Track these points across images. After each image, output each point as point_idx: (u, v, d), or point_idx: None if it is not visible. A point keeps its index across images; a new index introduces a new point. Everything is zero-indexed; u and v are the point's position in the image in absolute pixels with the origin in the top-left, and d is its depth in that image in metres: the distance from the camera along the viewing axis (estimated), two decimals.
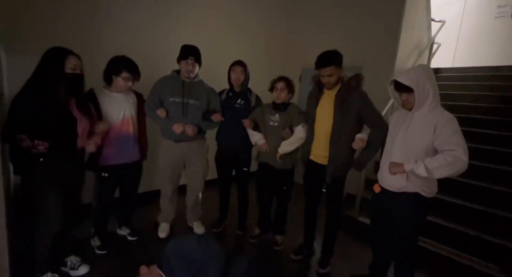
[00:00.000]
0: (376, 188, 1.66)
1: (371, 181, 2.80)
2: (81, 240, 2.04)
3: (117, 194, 2.10)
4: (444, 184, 1.51)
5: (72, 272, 1.75)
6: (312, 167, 1.97)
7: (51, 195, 1.52)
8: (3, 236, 1.34)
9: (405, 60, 3.22)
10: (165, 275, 1.23)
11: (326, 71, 1.71)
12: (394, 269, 1.67)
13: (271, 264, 2.08)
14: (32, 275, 1.60)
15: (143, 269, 1.29)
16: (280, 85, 2.00)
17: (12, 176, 1.86)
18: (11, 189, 1.85)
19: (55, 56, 1.47)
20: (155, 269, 1.28)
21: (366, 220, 2.54)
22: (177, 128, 1.99)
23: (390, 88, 1.56)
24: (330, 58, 1.70)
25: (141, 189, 2.30)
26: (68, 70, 1.49)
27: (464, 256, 2.08)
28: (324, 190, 1.98)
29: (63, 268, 1.76)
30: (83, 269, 1.78)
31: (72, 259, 1.79)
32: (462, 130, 1.38)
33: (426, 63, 3.83)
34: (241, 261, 1.30)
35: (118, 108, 1.88)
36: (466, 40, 4.58)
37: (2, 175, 1.35)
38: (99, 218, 2.04)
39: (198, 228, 2.38)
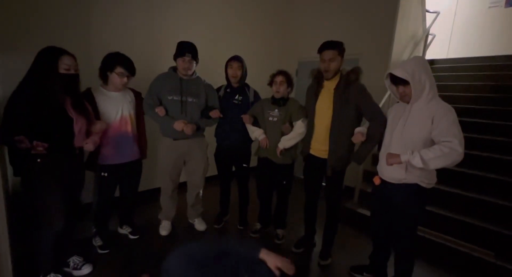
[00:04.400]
0: (376, 180, 1.68)
1: (369, 173, 2.83)
2: (83, 240, 2.04)
3: (117, 193, 2.09)
4: (439, 173, 1.54)
5: (75, 272, 1.75)
6: (312, 161, 1.98)
7: (51, 195, 1.51)
8: (5, 237, 1.34)
9: (401, 51, 3.22)
10: None
11: (328, 54, 1.74)
12: (395, 259, 1.70)
13: None
14: (35, 275, 1.60)
15: None
16: (280, 78, 1.99)
17: (10, 178, 1.84)
18: (9, 191, 1.83)
19: (49, 57, 1.44)
20: None
21: (365, 212, 2.58)
22: (178, 126, 1.98)
23: (387, 82, 1.57)
24: (334, 43, 1.76)
25: (142, 187, 2.29)
26: (62, 70, 1.46)
27: (461, 243, 2.13)
28: (324, 184, 2.00)
29: (66, 269, 1.76)
30: (86, 269, 1.78)
31: (74, 259, 1.79)
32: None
33: (421, 54, 3.84)
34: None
35: (116, 106, 1.86)
36: (461, 30, 4.60)
37: (1, 177, 1.34)
38: (99, 217, 2.03)
39: (199, 225, 2.39)
